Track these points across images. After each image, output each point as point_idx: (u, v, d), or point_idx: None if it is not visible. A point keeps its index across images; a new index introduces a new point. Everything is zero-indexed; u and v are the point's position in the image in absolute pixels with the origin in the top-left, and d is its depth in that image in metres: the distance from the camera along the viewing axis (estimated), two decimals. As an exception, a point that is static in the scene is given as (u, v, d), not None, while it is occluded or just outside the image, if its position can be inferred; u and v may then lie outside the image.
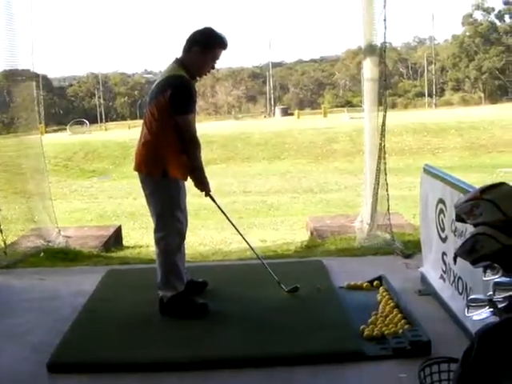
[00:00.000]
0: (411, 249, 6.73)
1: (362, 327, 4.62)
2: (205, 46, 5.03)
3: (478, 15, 66.09)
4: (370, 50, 7.56)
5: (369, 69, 7.68)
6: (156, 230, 5.12)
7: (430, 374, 3.28)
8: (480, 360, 2.44)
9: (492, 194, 2.67)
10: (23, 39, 7.59)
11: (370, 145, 7.74)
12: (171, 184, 5.03)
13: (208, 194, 5.26)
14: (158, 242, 5.12)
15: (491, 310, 2.70)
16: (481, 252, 2.58)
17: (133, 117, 60.73)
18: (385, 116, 6.98)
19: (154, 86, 5.19)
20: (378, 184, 7.15)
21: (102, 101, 63.11)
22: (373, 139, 7.50)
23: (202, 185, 5.18)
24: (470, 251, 2.62)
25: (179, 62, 5.07)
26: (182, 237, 5.18)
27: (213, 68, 5.21)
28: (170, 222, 5.06)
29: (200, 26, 5.16)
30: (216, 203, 5.39)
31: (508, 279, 2.64)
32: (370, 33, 7.48)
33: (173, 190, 5.05)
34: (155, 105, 4.98)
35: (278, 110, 56.03)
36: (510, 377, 2.37)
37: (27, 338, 4.81)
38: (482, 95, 63.59)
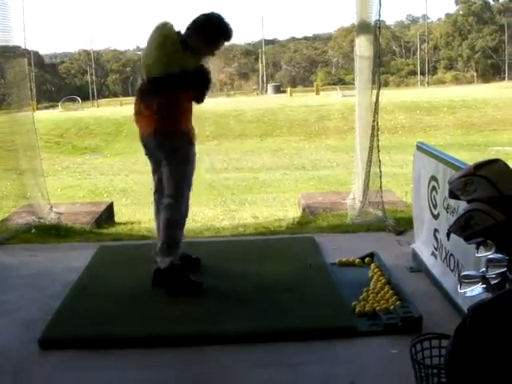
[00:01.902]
0: (403, 226, 6.75)
1: (353, 303, 4.64)
2: (206, 38, 4.99)
3: (472, -6, 65.91)
4: (364, 27, 7.52)
5: (362, 47, 7.64)
6: (168, 196, 5.08)
7: (422, 349, 3.31)
8: (473, 336, 2.45)
9: (486, 170, 2.67)
10: (15, 15, 7.52)
11: (362, 122, 7.73)
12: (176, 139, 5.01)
13: None
14: (167, 208, 5.08)
15: (484, 286, 2.71)
16: (474, 228, 2.58)
17: (125, 94, 60.31)
18: (378, 94, 6.96)
19: None
20: (371, 161, 7.15)
21: (94, 78, 62.61)
22: (366, 117, 7.49)
23: None
24: (464, 227, 2.62)
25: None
26: (187, 211, 5.24)
27: (212, 55, 5.23)
28: (184, 191, 5.08)
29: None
30: None
31: (501, 256, 2.64)
32: (364, 10, 7.43)
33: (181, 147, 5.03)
34: None
35: (270, 88, 55.59)
36: (502, 353, 2.38)
37: (19, 315, 4.81)
38: (475, 74, 63.41)
